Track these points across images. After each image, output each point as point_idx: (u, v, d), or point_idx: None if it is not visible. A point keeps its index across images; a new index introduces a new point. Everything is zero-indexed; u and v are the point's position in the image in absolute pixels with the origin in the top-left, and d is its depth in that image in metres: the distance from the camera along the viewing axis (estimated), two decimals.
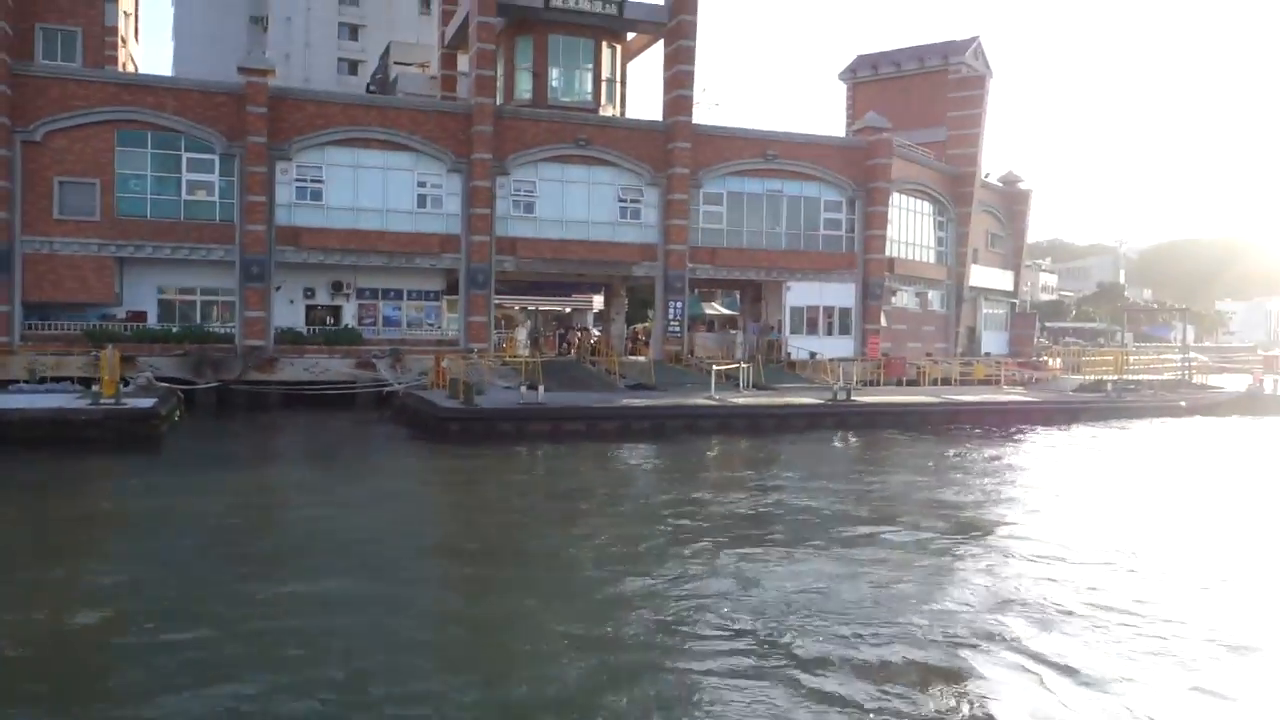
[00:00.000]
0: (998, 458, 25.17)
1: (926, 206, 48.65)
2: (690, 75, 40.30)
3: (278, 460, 24.23)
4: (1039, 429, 31.51)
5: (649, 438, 26.53)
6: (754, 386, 34.59)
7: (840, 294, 44.03)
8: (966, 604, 11.66)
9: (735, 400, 30.09)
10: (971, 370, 42.85)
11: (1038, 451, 26.72)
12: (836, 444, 27.40)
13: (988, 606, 11.56)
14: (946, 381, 41.04)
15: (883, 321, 44.51)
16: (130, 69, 39.28)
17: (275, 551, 14.33)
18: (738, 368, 34.74)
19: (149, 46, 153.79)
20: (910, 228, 47.48)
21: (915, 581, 12.61)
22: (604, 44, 41.67)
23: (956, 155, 49.81)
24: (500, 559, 14.11)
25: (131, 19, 39.46)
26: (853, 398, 31.27)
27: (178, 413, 27.79)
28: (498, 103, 39.71)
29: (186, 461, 22.57)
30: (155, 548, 14.22)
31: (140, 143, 34.77)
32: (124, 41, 37.58)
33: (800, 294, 43.44)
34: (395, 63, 63.68)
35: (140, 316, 35.79)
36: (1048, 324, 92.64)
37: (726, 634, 10.42)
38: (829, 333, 44.03)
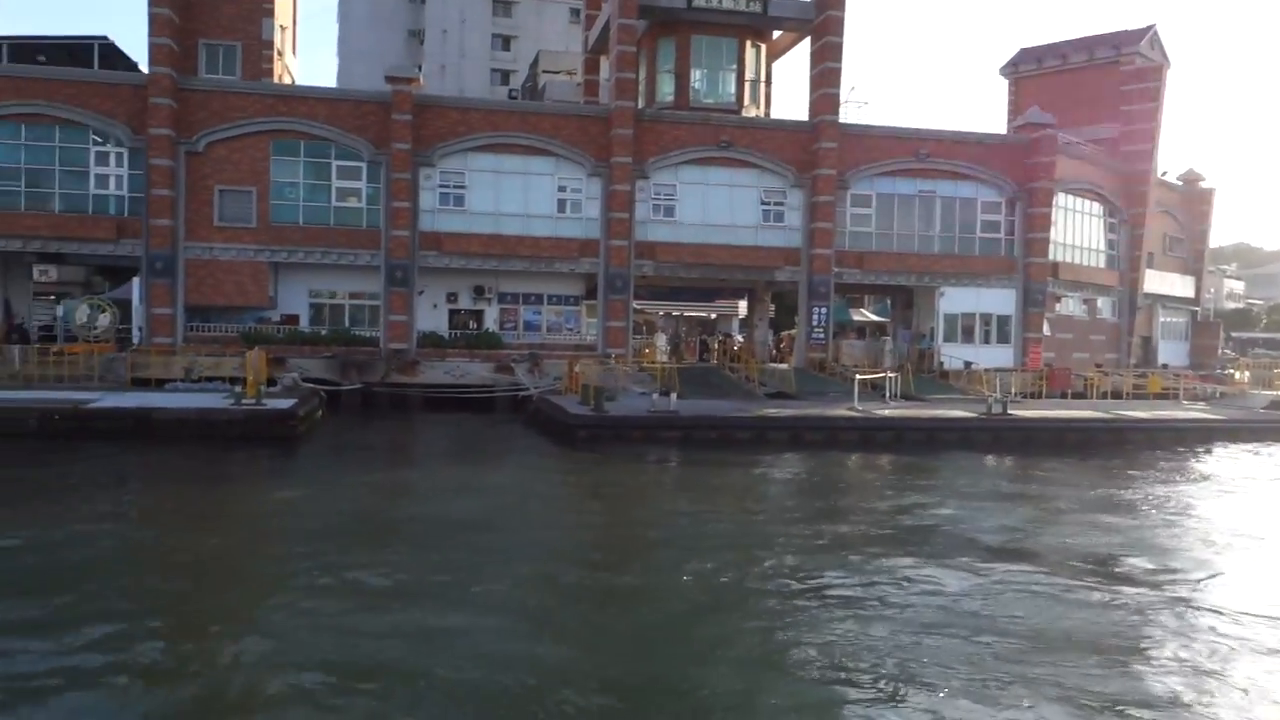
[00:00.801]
0: (1175, 484, 22.76)
1: (1095, 207, 45.39)
2: (837, 73, 38.74)
3: (402, 462, 24.18)
4: (1223, 450, 28.57)
5: (785, 449, 25.26)
6: (902, 397, 32.79)
7: (999, 300, 41.47)
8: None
9: (880, 412, 28.44)
10: (1146, 383, 39.50)
11: (1224, 477, 24.05)
12: (989, 461, 25.40)
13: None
14: (1117, 395, 37.98)
15: (1045, 330, 41.68)
16: (286, 81, 40.63)
17: (366, 541, 13.90)
18: (884, 377, 32.95)
19: (315, 63, 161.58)
20: (1077, 230, 44.39)
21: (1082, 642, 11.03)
22: (748, 43, 40.56)
23: (1129, 152, 46.31)
24: (609, 565, 13.28)
25: (288, 33, 40.85)
26: (1009, 411, 29.11)
27: (319, 413, 28.30)
28: (639, 106, 39.23)
29: (317, 461, 22.82)
30: (267, 536, 14.07)
31: (294, 151, 35.85)
32: (280, 55, 38.89)
33: (955, 300, 41.13)
34: (543, 71, 64.38)
35: (293, 319, 36.91)
36: (1233, 334, 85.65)
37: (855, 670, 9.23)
38: (986, 341, 41.54)
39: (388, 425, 30.36)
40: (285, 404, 24.70)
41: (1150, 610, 12.00)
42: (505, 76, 79.53)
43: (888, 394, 32.10)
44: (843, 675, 9.50)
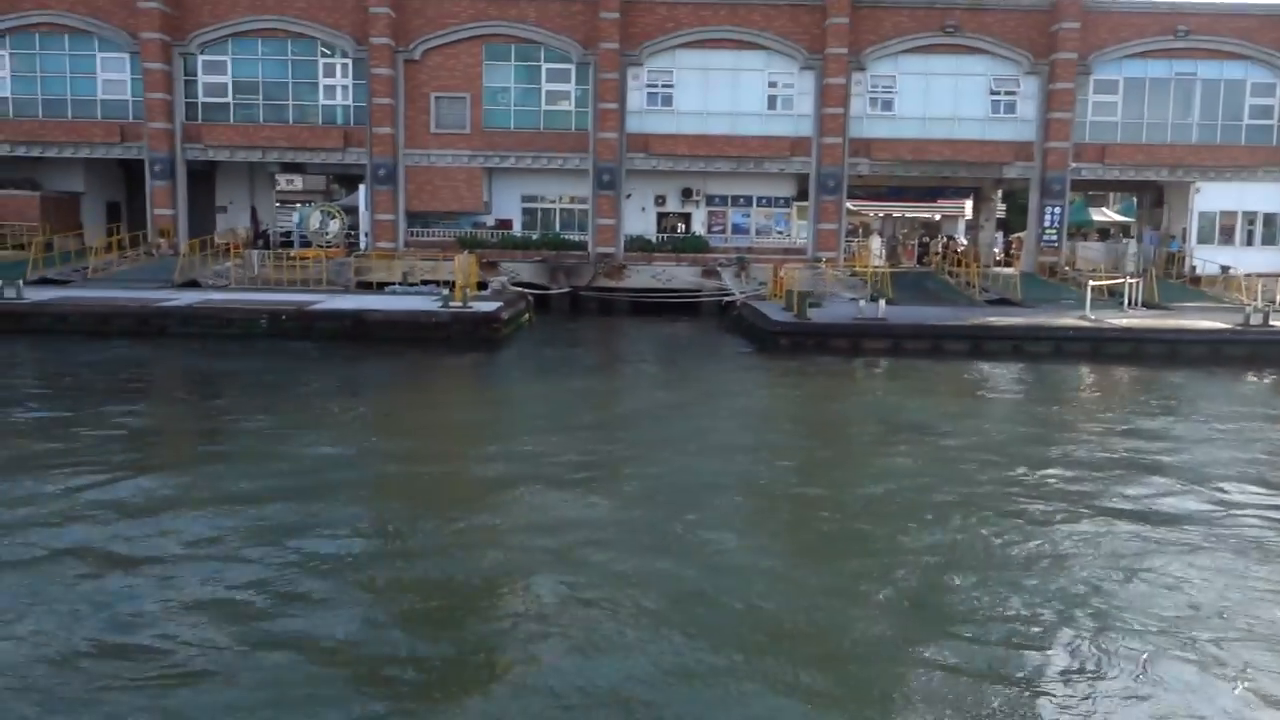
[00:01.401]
0: None
1: None
2: None
3: (594, 368, 23.95)
4: None
5: (1003, 360, 23.48)
6: (1144, 305, 29.73)
7: (1266, 196, 36.63)
8: None
9: (1116, 322, 25.84)
10: None
11: None
12: (1249, 382, 22.57)
13: None
14: None
15: None
16: None
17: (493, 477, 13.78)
18: (1123, 283, 29.93)
19: None
20: None
21: None
22: None
23: None
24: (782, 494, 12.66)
25: None
26: (1272, 322, 25.74)
27: (526, 316, 28.85)
28: None
29: (517, 364, 23.35)
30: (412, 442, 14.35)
31: (504, 56, 36.08)
32: None
33: (1213, 197, 36.69)
34: None
35: (507, 224, 37.70)
36: None
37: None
38: (1249, 243, 36.96)
39: (591, 330, 30.61)
40: (490, 307, 25.24)
41: None
42: None
43: (1126, 301, 29.18)
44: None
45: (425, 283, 31.32)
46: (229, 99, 36.21)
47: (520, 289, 31.22)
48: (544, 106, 36.42)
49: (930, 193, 46.31)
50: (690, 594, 8.88)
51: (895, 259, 42.21)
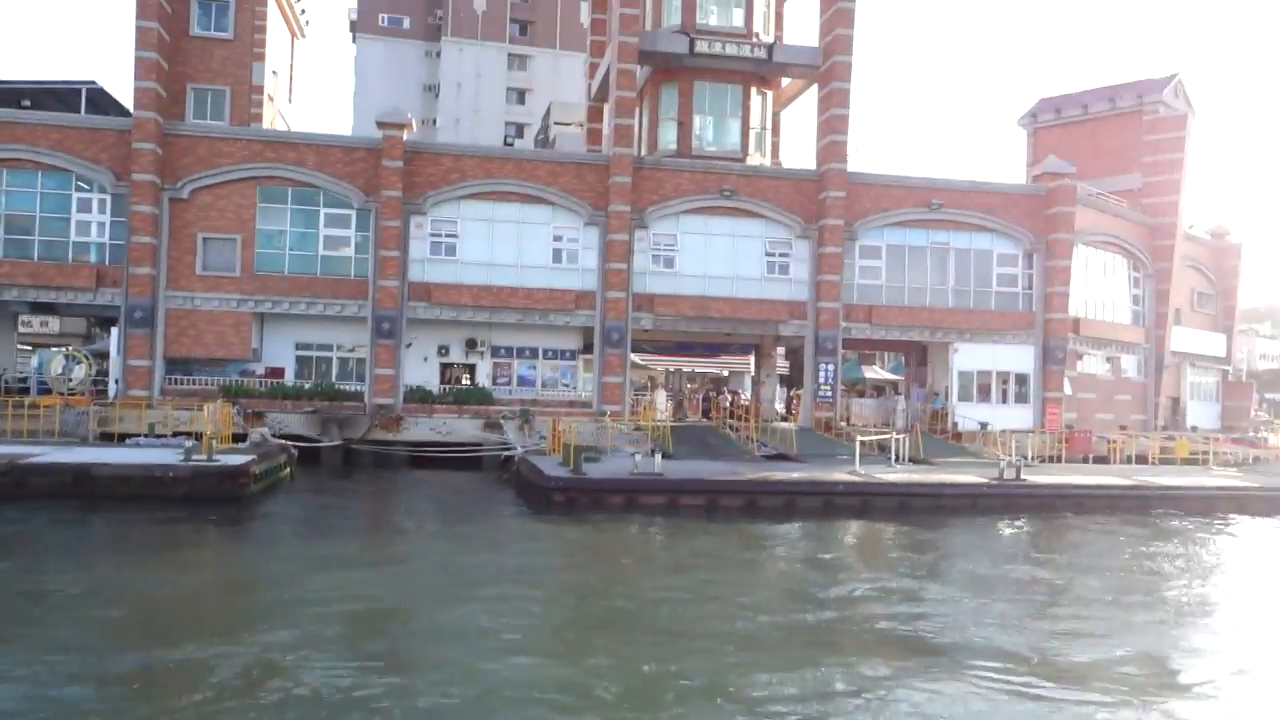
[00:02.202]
0: (1204, 557, 20.65)
1: (1119, 261, 43.50)
2: (845, 119, 37.31)
3: (342, 531, 21.46)
4: (1256, 520, 26.34)
5: (776, 517, 23.30)
6: (910, 460, 30.79)
7: (1016, 357, 39.48)
8: None
9: (883, 476, 26.43)
10: (1174, 447, 37.12)
11: (1258, 551, 21.90)
12: (999, 532, 23.33)
13: None
14: (1143, 460, 35.75)
15: (1066, 389, 39.57)
16: (280, 128, 39.74)
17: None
18: (891, 439, 30.96)
19: (329, 118, 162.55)
20: (1099, 284, 42.46)
21: None
22: (753, 90, 39.33)
23: (1154, 204, 44.52)
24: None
25: (281, 79, 40.01)
26: (1023, 477, 27.04)
27: (286, 471, 26.75)
28: (640, 154, 38.06)
29: (258, 524, 21.20)
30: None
31: (280, 199, 34.79)
32: (271, 99, 38.03)
33: (970, 356, 39.19)
34: (555, 123, 63.66)
35: (279, 373, 35.55)
36: (1267, 395, 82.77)
37: None
38: (1004, 400, 39.50)
39: (357, 486, 28.55)
40: (238, 461, 23.08)
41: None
42: (520, 130, 79.08)
43: (894, 456, 30.11)
44: None
45: (176, 434, 28.70)
46: None
47: (283, 442, 29.11)
48: (322, 251, 35.15)
49: (715, 348, 47.41)
50: None
51: (681, 413, 42.54)
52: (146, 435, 28.03)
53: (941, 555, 20.25)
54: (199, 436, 27.21)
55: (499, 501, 25.61)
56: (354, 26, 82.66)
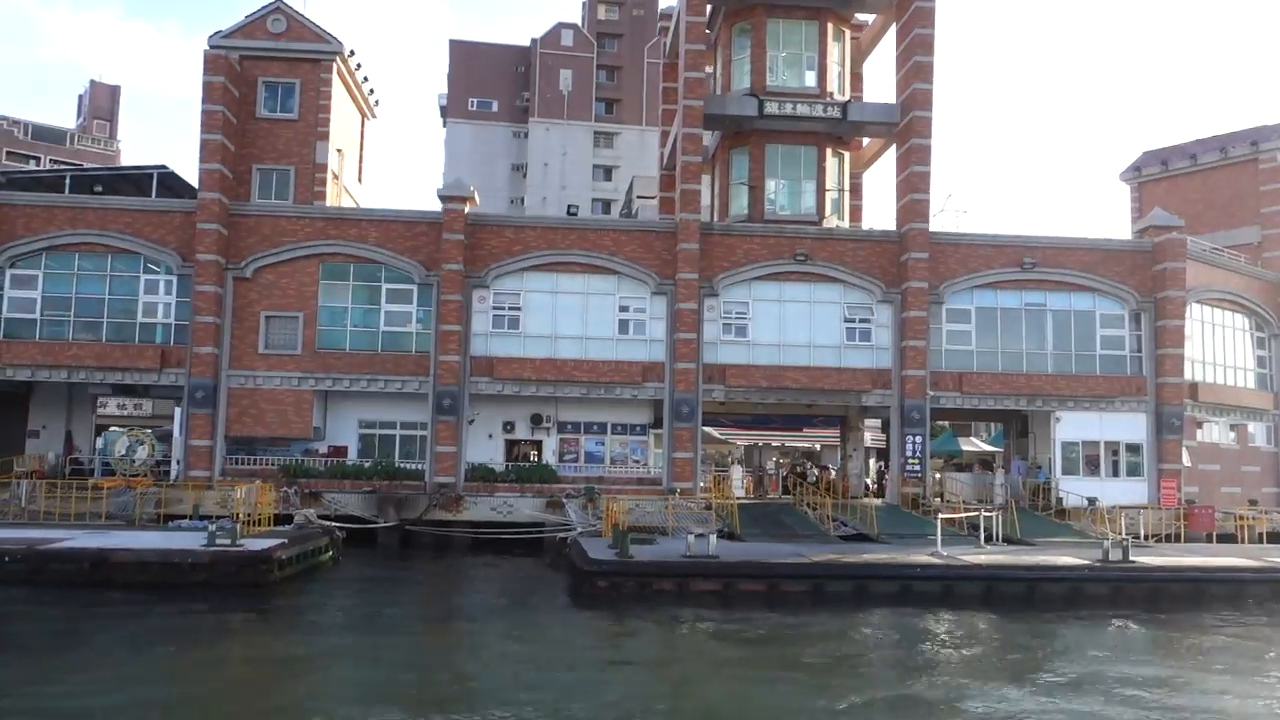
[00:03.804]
0: None
1: (1239, 320, 39.82)
2: (925, 177, 35.21)
3: (356, 628, 19.29)
4: None
5: (844, 606, 20.83)
6: (1004, 540, 27.86)
7: (1126, 426, 36.04)
8: None
9: (968, 559, 23.68)
10: None
11: None
12: (1106, 629, 20.31)
13: None
14: (1275, 538, 31.88)
15: (1185, 460, 35.88)
16: (347, 205, 39.68)
17: None
18: (981, 516, 28.07)
19: (423, 200, 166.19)
20: (1218, 345, 38.86)
21: None
22: (829, 151, 37.58)
23: (1275, 258, 40.85)
24: None
25: (347, 157, 40.04)
26: (1131, 558, 23.90)
27: (328, 555, 25.50)
28: (711, 221, 36.62)
29: (273, 616, 19.66)
30: None
31: (343, 275, 34.41)
32: (336, 178, 37.98)
33: (1074, 426, 35.95)
34: (638, 196, 63.05)
35: (341, 451, 34.79)
36: None
37: None
38: (1114, 473, 36.01)
39: (393, 575, 26.46)
40: (263, 545, 21.87)
41: None
42: (606, 206, 78.95)
43: (983, 536, 27.21)
44: None
45: (217, 518, 27.78)
46: (36, 315, 33.48)
47: (327, 524, 27.95)
48: (383, 327, 34.53)
49: (797, 420, 45.03)
50: None
51: (761, 490, 40.21)
52: (190, 518, 27.25)
53: (1043, 655, 17.49)
54: (278, 519, 26.31)
55: (546, 587, 23.77)
56: (444, 111, 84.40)
